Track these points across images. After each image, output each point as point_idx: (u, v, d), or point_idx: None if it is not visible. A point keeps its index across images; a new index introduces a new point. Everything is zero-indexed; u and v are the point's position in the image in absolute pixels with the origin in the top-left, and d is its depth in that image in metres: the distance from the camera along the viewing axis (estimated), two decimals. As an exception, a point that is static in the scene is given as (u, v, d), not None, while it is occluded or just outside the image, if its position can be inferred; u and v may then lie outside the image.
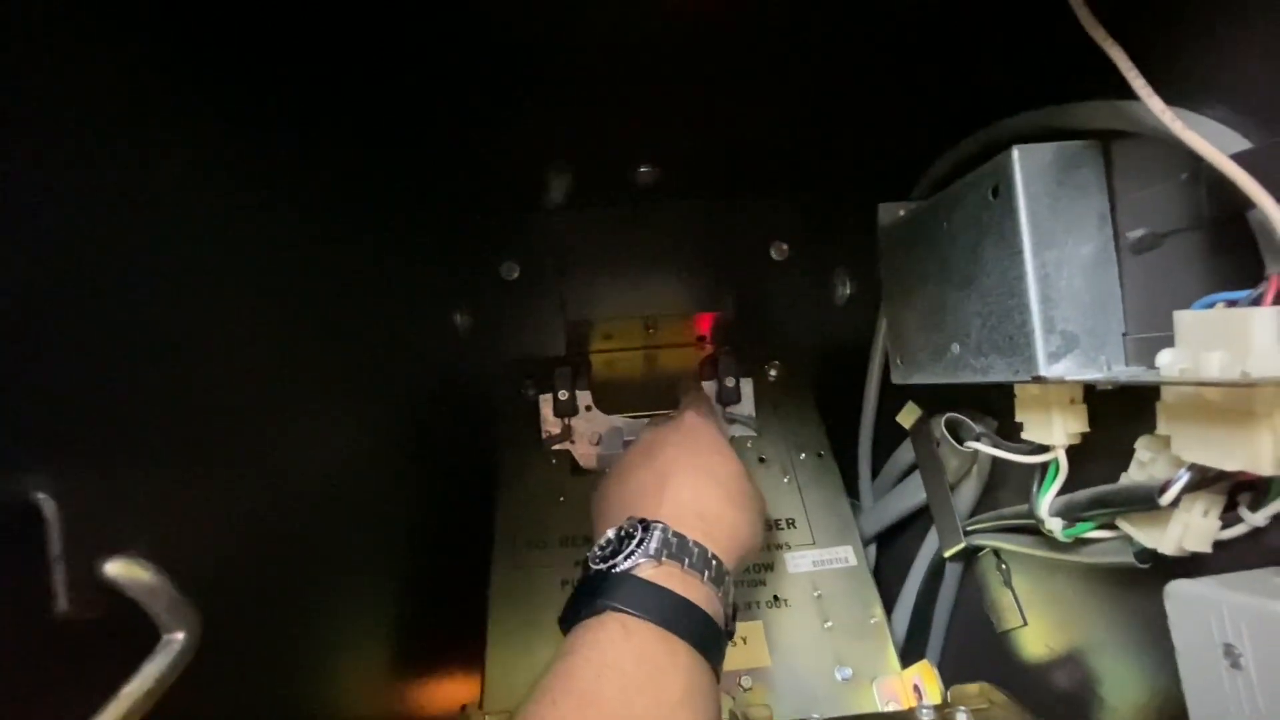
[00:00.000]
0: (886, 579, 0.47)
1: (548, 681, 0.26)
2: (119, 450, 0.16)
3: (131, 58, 0.21)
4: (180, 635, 0.14)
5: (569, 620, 0.29)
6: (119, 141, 0.20)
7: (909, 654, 0.43)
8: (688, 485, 0.34)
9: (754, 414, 0.53)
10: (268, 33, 0.29)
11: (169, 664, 0.13)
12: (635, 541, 0.30)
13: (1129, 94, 0.24)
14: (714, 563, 0.30)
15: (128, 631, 0.14)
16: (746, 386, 0.54)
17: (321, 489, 0.34)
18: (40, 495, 0.12)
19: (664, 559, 0.29)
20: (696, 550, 0.30)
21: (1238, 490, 0.23)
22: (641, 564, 0.29)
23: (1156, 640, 0.28)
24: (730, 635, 0.31)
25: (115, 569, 0.13)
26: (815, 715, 0.30)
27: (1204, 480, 0.22)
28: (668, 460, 0.36)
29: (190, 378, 0.23)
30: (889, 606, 0.45)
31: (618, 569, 0.29)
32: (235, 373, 0.27)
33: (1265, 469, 0.20)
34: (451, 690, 0.44)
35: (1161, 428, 0.24)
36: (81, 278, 0.17)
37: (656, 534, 0.30)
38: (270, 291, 0.31)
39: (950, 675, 0.39)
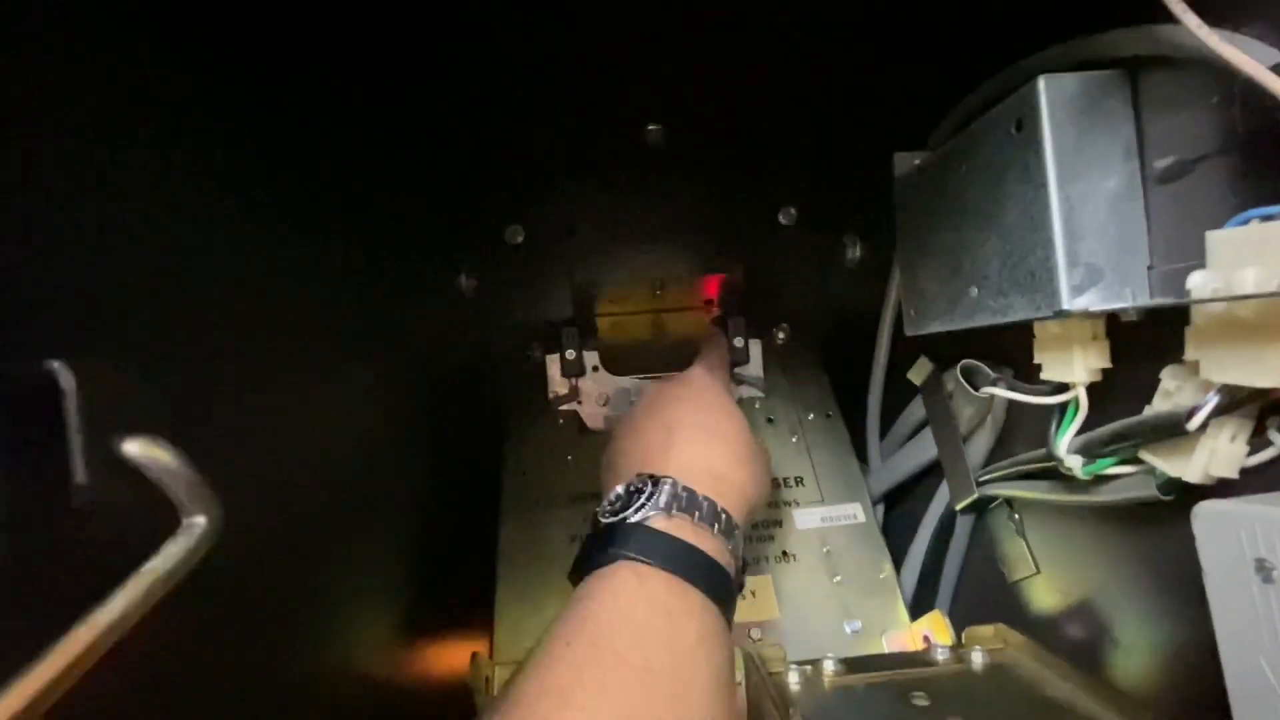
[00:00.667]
0: (895, 538, 0.47)
1: (560, 627, 0.25)
2: (138, 344, 0.16)
3: (135, 48, 0.20)
4: (201, 519, 0.13)
5: (580, 571, 0.29)
6: (139, 112, 0.19)
7: (918, 610, 0.43)
8: (696, 441, 0.34)
9: (762, 375, 0.53)
10: (272, 7, 0.29)
11: (190, 546, 0.13)
12: (645, 495, 0.30)
13: (1155, 19, 0.24)
14: (724, 516, 0.30)
15: (148, 515, 0.13)
16: (755, 348, 0.53)
17: (329, 448, 0.33)
18: (56, 364, 0.12)
19: (674, 512, 0.29)
20: (706, 504, 0.30)
21: (1266, 414, 0.22)
22: (653, 516, 0.29)
23: (1174, 579, 0.28)
24: (740, 588, 0.31)
25: (135, 448, 0.13)
26: (830, 655, 0.29)
27: (1233, 403, 0.22)
28: (674, 417, 0.35)
29: (198, 328, 0.23)
30: (898, 564, 0.45)
31: (629, 520, 0.29)
32: (242, 329, 0.26)
33: (1300, 383, 0.19)
34: (463, 645, 0.44)
35: (1190, 353, 0.23)
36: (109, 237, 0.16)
37: (666, 488, 0.30)
38: (273, 254, 0.30)
39: (961, 628, 0.39)
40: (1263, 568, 0.19)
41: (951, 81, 0.37)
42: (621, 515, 0.29)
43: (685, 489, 0.30)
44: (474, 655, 0.36)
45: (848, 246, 0.56)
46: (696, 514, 0.29)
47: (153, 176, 0.19)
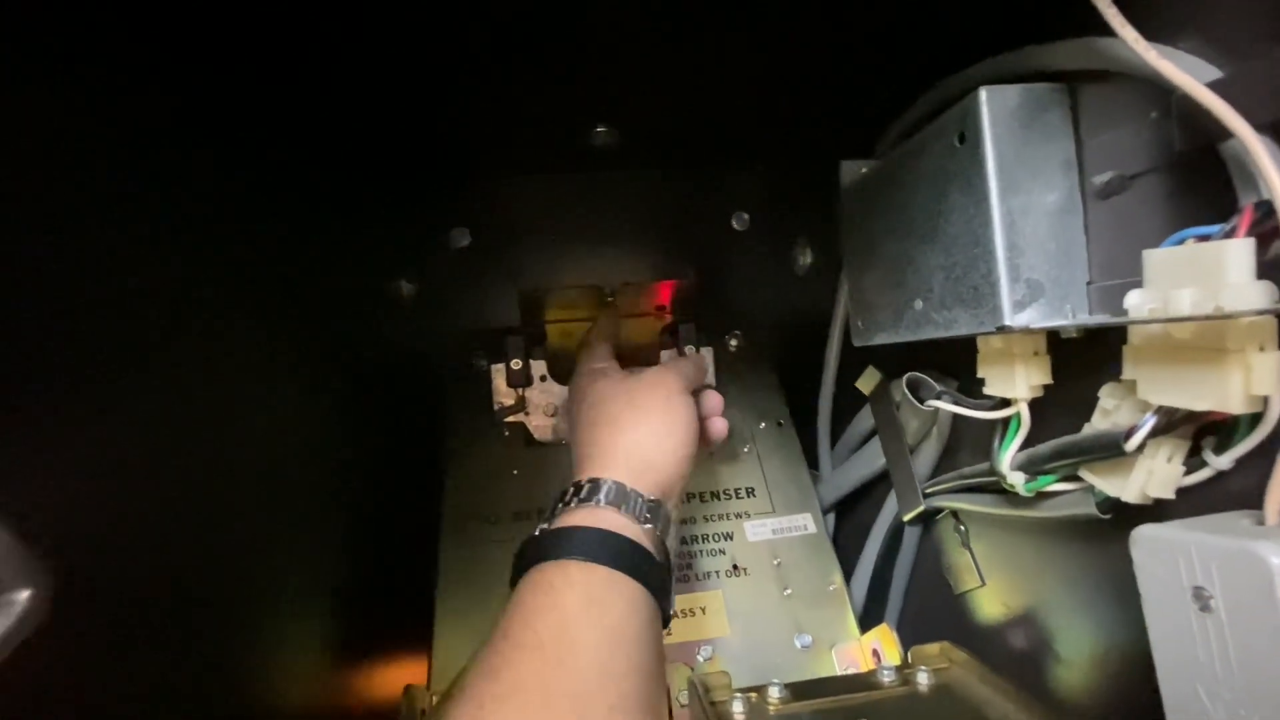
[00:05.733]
0: (845, 547, 0.47)
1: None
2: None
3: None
4: (24, 594, 0.11)
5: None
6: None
7: (868, 619, 0.43)
8: (578, 440, 0.35)
9: (714, 384, 0.52)
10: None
11: (9, 625, 0.11)
12: (555, 503, 0.32)
13: (1096, 33, 0.23)
14: (600, 485, 0.31)
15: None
16: (707, 356, 0.52)
17: (254, 462, 0.31)
18: None
19: (553, 516, 0.31)
20: (577, 489, 0.31)
21: (1201, 434, 0.22)
22: (539, 528, 0.31)
23: (1113, 595, 0.28)
24: (667, 562, 0.31)
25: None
26: (775, 680, 0.28)
27: (1170, 424, 0.22)
28: (591, 415, 0.36)
29: (92, 330, 0.20)
30: (848, 573, 0.44)
31: (533, 535, 0.30)
32: (152, 332, 0.24)
33: (1235, 407, 0.19)
34: (397, 673, 0.42)
35: (1128, 372, 0.23)
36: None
37: (569, 491, 0.31)
38: (197, 250, 0.28)
39: (909, 639, 0.39)
40: (1200, 596, 0.19)
41: (899, 88, 0.36)
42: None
43: (588, 481, 0.31)
44: (407, 688, 0.34)
45: (798, 253, 0.56)
46: (595, 500, 0.30)
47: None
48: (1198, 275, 0.20)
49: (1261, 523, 0.19)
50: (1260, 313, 0.17)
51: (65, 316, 0.19)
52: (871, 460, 0.43)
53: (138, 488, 0.21)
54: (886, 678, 0.28)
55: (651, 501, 0.31)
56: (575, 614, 0.26)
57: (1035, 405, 0.29)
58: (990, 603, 0.36)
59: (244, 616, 0.29)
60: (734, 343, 0.55)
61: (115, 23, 0.23)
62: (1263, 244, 0.19)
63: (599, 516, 0.29)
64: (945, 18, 0.34)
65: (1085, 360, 0.27)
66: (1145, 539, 0.21)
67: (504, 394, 0.50)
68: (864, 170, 0.37)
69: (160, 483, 0.23)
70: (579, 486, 0.31)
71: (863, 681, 0.29)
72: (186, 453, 0.25)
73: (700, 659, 0.39)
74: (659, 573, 0.29)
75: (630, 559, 0.28)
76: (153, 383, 0.23)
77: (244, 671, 0.29)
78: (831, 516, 0.49)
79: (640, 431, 0.34)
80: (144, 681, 0.21)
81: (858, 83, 0.42)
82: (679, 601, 0.41)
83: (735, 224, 0.60)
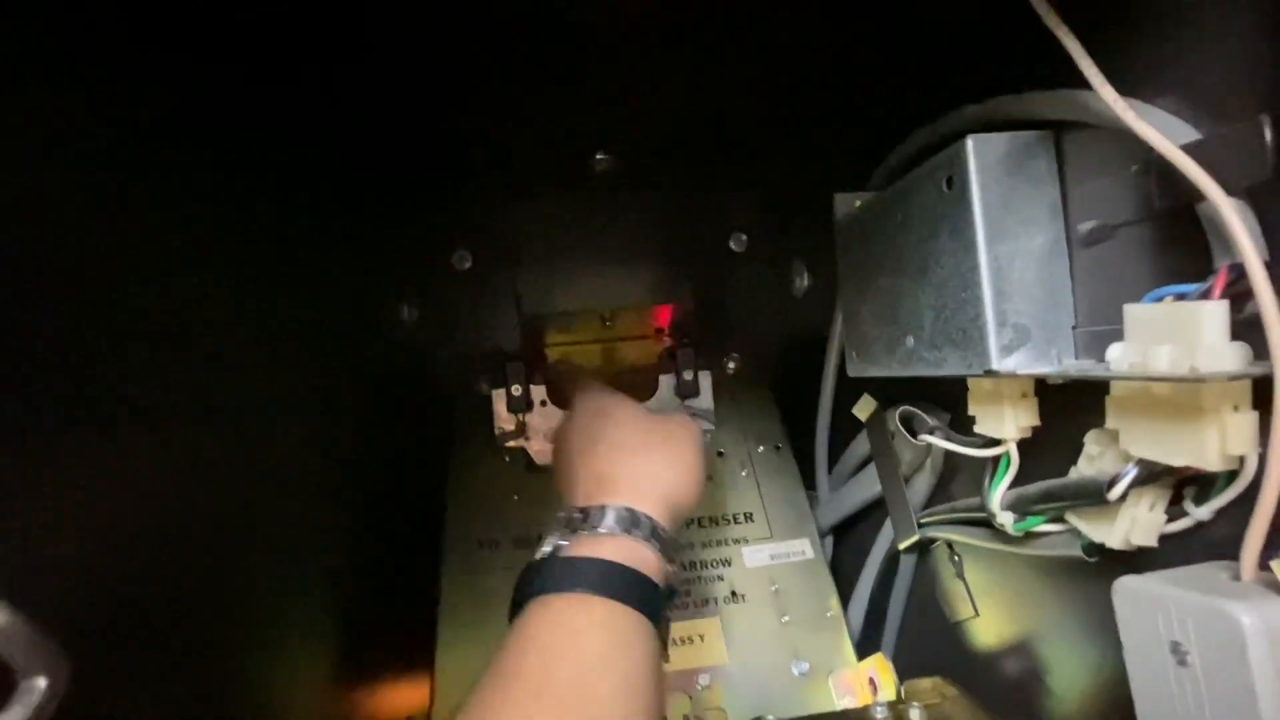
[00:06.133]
0: (844, 570, 0.47)
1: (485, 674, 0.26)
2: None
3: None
4: (42, 681, 0.12)
5: (510, 617, 0.29)
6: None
7: (865, 645, 0.43)
8: (596, 459, 0.34)
9: (712, 407, 0.53)
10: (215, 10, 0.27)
11: (29, 715, 0.12)
12: (548, 533, 0.31)
13: (1082, 84, 0.24)
14: (649, 524, 0.30)
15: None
16: (705, 380, 0.53)
17: (255, 486, 0.32)
18: None
19: (571, 535, 0.30)
20: (602, 512, 0.30)
21: (1183, 484, 0.23)
22: (554, 546, 0.30)
23: (1104, 630, 0.28)
24: (674, 590, 0.31)
25: (-40, 610, 0.11)
26: (770, 717, 0.29)
27: (1151, 475, 0.22)
28: (571, 448, 0.37)
29: (87, 356, 0.21)
30: (845, 598, 0.45)
31: (537, 557, 0.30)
32: (148, 352, 0.24)
33: (1212, 465, 0.20)
34: (398, 700, 0.43)
35: (1110, 422, 0.23)
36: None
37: (560, 518, 0.31)
38: (199, 268, 0.28)
39: (904, 666, 0.40)
40: (1177, 650, 0.19)
41: (895, 113, 0.37)
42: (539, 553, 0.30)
43: (580, 510, 0.31)
44: None
45: (796, 276, 0.56)
46: (593, 527, 0.30)
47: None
48: (1175, 333, 0.20)
49: (1239, 576, 0.19)
50: (1233, 377, 0.18)
51: (68, 319, 0.20)
52: (869, 486, 0.44)
53: (137, 511, 0.22)
54: (880, 714, 0.29)
55: (675, 539, 0.31)
56: (595, 661, 0.25)
57: (1024, 445, 0.29)
58: (984, 633, 0.36)
59: (242, 642, 0.29)
60: (732, 365, 0.56)
61: (115, 22, 0.23)
62: (1236, 305, 0.19)
63: (631, 550, 0.28)
64: (941, 47, 0.34)
65: (1073, 403, 0.27)
66: (1126, 590, 0.21)
67: (505, 419, 0.51)
68: (858, 204, 0.38)
69: (159, 507, 0.23)
70: (604, 509, 0.30)
71: (856, 716, 0.29)
72: (184, 473, 0.26)
73: (699, 687, 0.39)
74: (667, 608, 0.29)
75: (654, 601, 0.27)
76: (187, 421, 0.23)
77: (241, 699, 0.29)
78: (829, 540, 0.49)
79: (676, 470, 0.34)
80: (135, 706, 0.21)
81: (854, 107, 0.43)
82: (676, 630, 0.42)
83: (733, 245, 0.60)
